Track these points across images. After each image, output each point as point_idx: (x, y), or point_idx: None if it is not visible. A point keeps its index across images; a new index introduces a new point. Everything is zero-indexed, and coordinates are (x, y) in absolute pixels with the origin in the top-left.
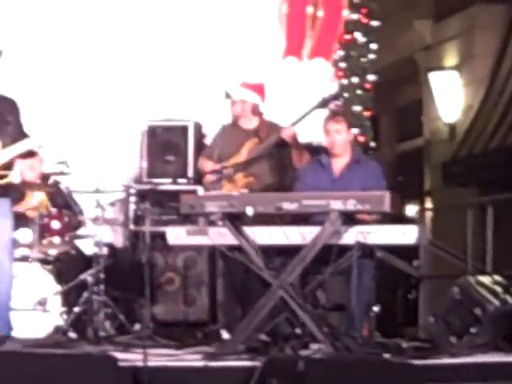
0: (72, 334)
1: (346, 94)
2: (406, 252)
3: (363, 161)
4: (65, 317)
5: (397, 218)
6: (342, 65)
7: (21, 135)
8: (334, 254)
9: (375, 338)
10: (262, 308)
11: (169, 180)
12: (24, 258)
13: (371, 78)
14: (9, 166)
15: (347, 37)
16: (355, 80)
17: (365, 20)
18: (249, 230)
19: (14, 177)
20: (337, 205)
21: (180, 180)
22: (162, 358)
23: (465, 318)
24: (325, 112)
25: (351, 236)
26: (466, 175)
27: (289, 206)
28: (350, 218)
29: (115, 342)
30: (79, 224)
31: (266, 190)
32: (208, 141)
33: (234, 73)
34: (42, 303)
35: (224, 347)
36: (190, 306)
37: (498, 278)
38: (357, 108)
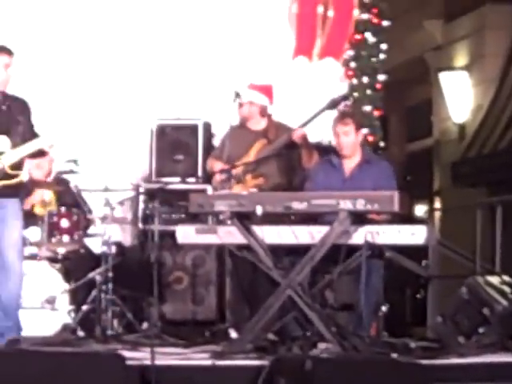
0: (80, 333)
1: (355, 94)
2: (414, 252)
3: (374, 161)
4: (73, 315)
5: (406, 217)
6: (352, 65)
7: (31, 135)
8: (343, 253)
9: (383, 337)
10: (270, 307)
11: (178, 179)
12: (33, 257)
13: (381, 77)
14: (19, 166)
15: (357, 37)
16: (365, 80)
17: (375, 20)
18: (258, 230)
19: (23, 176)
20: (346, 204)
21: (189, 179)
22: (169, 356)
23: (473, 318)
24: (334, 113)
25: (360, 236)
26: (476, 175)
27: (298, 206)
28: (359, 218)
29: (123, 341)
30: (88, 223)
31: (274, 190)
32: (217, 141)
33: (244, 72)
34: (51, 301)
35: (232, 346)
36: (198, 304)
37: (506, 278)
38: (367, 108)
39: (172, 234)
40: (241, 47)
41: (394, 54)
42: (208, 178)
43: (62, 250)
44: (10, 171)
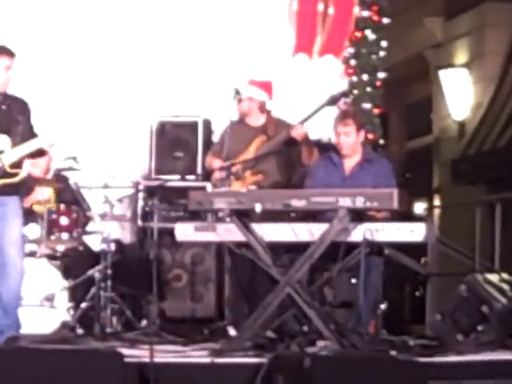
0: (79, 330)
1: (355, 92)
2: (413, 249)
3: (374, 159)
4: (72, 312)
5: (405, 215)
6: (352, 62)
7: (31, 135)
8: (342, 251)
9: (382, 335)
10: (268, 305)
11: (177, 176)
12: (32, 254)
13: (381, 75)
14: (19, 165)
15: (357, 34)
16: (365, 77)
17: (375, 17)
18: (257, 227)
19: (23, 175)
20: (345, 202)
21: (188, 176)
22: (168, 354)
23: (472, 316)
24: (334, 109)
25: (359, 233)
26: (475, 173)
27: (297, 203)
28: (358, 216)
29: (122, 338)
30: (87, 220)
31: (273, 187)
32: (216, 138)
33: (244, 70)
34: (50, 299)
35: (231, 344)
36: (197, 302)
37: (505, 275)
38: (366, 105)
39: (171, 232)
40: (241, 44)
41: (394, 51)
42: (207, 174)
43: (61, 248)
44: (10, 170)
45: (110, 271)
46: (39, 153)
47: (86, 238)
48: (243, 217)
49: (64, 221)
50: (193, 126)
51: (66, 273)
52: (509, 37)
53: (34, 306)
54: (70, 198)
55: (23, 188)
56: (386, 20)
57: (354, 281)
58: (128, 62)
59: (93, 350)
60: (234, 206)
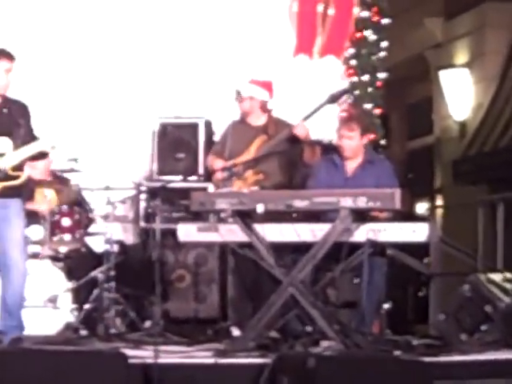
0: (82, 331)
1: (356, 92)
2: (416, 249)
3: (377, 160)
4: (75, 314)
5: (407, 215)
6: (353, 63)
7: (31, 138)
8: (345, 251)
9: (385, 335)
10: (272, 305)
11: (179, 177)
12: (35, 255)
13: (382, 75)
14: (20, 168)
15: (358, 35)
16: (366, 78)
17: (375, 18)
18: (259, 227)
19: (24, 178)
20: (347, 202)
21: (190, 177)
22: (172, 354)
23: (475, 316)
24: (335, 108)
25: (362, 233)
26: (476, 173)
27: (299, 204)
28: (360, 216)
29: (126, 339)
30: (90, 221)
31: (275, 188)
32: (217, 138)
33: (245, 70)
34: (53, 300)
35: (234, 344)
36: (200, 302)
37: (508, 275)
38: (367, 106)
39: (174, 233)
40: (242, 45)
41: (394, 51)
42: (209, 175)
43: (63, 249)
44: (11, 172)
45: (113, 272)
46: (40, 155)
47: (89, 240)
48: (245, 217)
49: (66, 222)
50: (194, 127)
51: (69, 274)
52: (509, 37)
53: (37, 307)
54: (72, 199)
55: (25, 190)
56: (386, 20)
57: (356, 280)
58: (129, 63)
59: (97, 351)
60: (237, 206)
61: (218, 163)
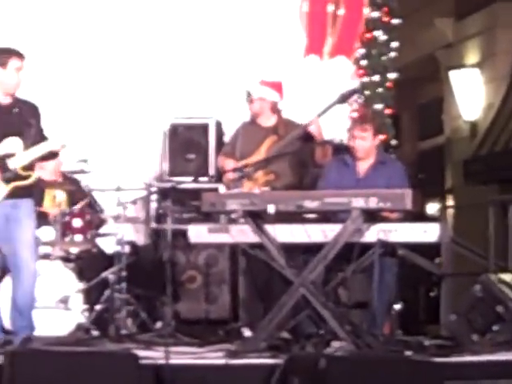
0: (94, 332)
1: (367, 92)
2: (427, 250)
3: (388, 161)
4: (86, 315)
5: (418, 215)
6: (363, 63)
7: (41, 139)
8: (356, 251)
9: (397, 335)
10: (283, 306)
11: (190, 178)
12: (46, 256)
13: (392, 76)
14: (31, 168)
15: (368, 35)
16: (376, 78)
17: (386, 18)
18: (270, 228)
19: (35, 178)
20: (358, 203)
21: (201, 178)
22: (183, 355)
23: (487, 316)
24: (345, 108)
25: (373, 234)
26: (487, 173)
27: (310, 204)
28: (371, 216)
29: (137, 340)
30: (101, 222)
31: (286, 188)
32: (227, 139)
33: (255, 71)
34: (64, 301)
35: (245, 345)
36: (211, 303)
37: None
38: (378, 106)
39: (185, 233)
40: (252, 46)
41: (404, 52)
42: (220, 176)
43: (74, 250)
44: (22, 172)
45: (124, 273)
46: (51, 155)
47: (100, 240)
48: (256, 218)
49: (77, 223)
50: (205, 127)
51: (81, 275)
52: None
53: (48, 308)
54: (82, 200)
55: (36, 191)
56: (396, 21)
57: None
58: (139, 64)
59: (108, 351)
60: (247, 207)
61: (228, 164)
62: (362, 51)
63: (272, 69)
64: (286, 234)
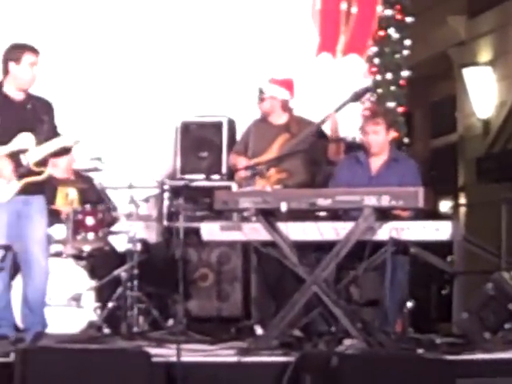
0: (106, 330)
1: (379, 90)
2: (439, 248)
3: (401, 159)
4: (98, 312)
5: (430, 213)
6: (376, 61)
7: (54, 135)
8: (368, 249)
9: (409, 333)
10: (295, 303)
11: (202, 176)
12: (58, 254)
13: (405, 73)
14: (44, 163)
15: (381, 33)
16: (389, 76)
17: (398, 16)
18: (283, 226)
19: (47, 174)
20: (370, 201)
21: (213, 176)
22: (195, 353)
23: (499, 314)
24: (358, 106)
25: (385, 232)
26: (500, 171)
27: (322, 202)
28: (384, 214)
29: (149, 338)
30: (113, 220)
31: (299, 186)
32: (239, 137)
33: (268, 70)
34: (76, 299)
35: (257, 343)
36: (223, 301)
37: None
38: (390, 104)
39: (197, 231)
40: (264, 44)
41: (417, 49)
42: (232, 174)
43: (87, 248)
44: (34, 168)
45: (136, 271)
46: (63, 151)
47: (112, 238)
48: (269, 216)
49: (90, 221)
50: (217, 125)
51: (93, 273)
52: None
53: (60, 306)
54: (94, 198)
55: (48, 188)
56: (409, 19)
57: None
58: (153, 62)
59: (120, 349)
60: (260, 205)
61: (241, 162)
62: (375, 49)
63: (285, 67)
64: (298, 231)
